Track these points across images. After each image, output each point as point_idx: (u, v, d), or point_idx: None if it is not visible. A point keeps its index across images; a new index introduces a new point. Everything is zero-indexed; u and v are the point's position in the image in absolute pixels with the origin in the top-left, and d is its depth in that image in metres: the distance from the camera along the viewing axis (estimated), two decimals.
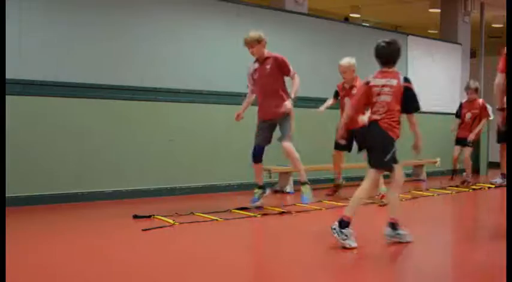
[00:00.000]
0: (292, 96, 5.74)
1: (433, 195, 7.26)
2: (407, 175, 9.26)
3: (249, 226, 5.07)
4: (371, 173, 4.23)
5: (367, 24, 12.54)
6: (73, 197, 6.11)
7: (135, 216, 5.16)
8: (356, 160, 7.96)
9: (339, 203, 6.24)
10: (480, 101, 8.46)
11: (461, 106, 8.64)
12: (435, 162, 9.30)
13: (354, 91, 6.23)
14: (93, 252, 3.92)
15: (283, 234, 4.74)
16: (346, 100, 6.35)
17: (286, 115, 5.71)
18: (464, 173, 8.57)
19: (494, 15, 12.30)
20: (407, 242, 4.14)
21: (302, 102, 8.15)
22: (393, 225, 4.16)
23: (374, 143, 4.24)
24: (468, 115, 8.43)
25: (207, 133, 7.20)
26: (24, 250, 3.90)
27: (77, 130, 6.17)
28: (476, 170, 10.72)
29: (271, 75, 5.68)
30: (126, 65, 6.54)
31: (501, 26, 12.95)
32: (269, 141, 5.88)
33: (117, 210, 5.81)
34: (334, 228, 4.02)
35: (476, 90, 8.39)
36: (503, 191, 7.65)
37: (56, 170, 6.02)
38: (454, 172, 8.92)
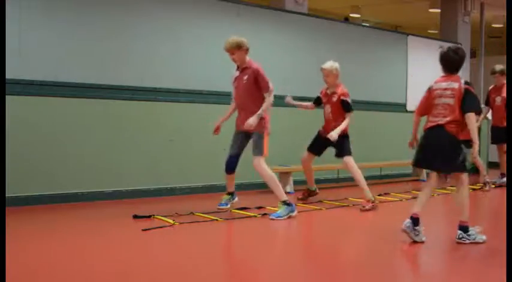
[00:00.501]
0: (259, 112, 5.33)
1: (433, 195, 7.24)
2: (407, 175, 9.28)
3: (249, 226, 5.06)
4: (433, 177, 4.40)
5: (367, 24, 12.55)
6: (73, 197, 6.10)
7: (135, 216, 5.16)
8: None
9: (339, 203, 6.24)
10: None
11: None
12: None
13: (335, 98, 6.15)
14: (93, 252, 3.92)
15: (283, 234, 4.74)
16: (327, 108, 6.27)
17: (259, 131, 5.39)
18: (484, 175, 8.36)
19: (494, 15, 12.31)
20: (481, 242, 4.24)
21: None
22: (465, 228, 4.29)
23: (440, 147, 4.24)
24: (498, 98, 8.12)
25: (207, 133, 7.18)
26: (24, 250, 3.90)
27: (77, 130, 6.16)
28: (476, 170, 10.71)
29: (247, 88, 5.39)
30: (126, 65, 6.54)
31: (501, 26, 12.96)
32: (240, 153, 5.65)
33: (117, 210, 5.81)
34: (408, 226, 4.16)
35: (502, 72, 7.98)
36: (504, 191, 7.65)
37: (56, 170, 6.02)
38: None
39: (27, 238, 4.31)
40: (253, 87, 5.40)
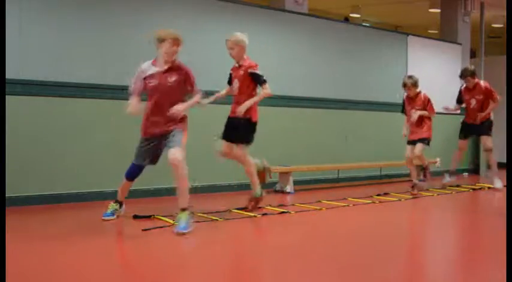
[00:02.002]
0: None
1: (433, 195, 7.26)
2: (407, 175, 9.28)
3: (249, 226, 5.07)
4: None
5: (367, 24, 12.55)
6: (73, 197, 6.10)
7: (135, 216, 5.16)
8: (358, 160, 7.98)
9: (339, 203, 6.24)
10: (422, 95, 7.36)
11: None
12: (435, 162, 9.29)
13: (242, 72, 5.61)
14: (93, 252, 3.92)
15: (283, 234, 4.74)
16: (235, 83, 5.71)
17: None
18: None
19: (494, 15, 12.31)
20: None
21: (302, 102, 8.17)
22: None
23: None
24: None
25: (207, 133, 7.19)
26: (24, 250, 3.90)
27: (77, 130, 6.17)
28: (476, 170, 10.73)
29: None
30: (126, 65, 6.51)
31: (501, 26, 12.96)
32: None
33: None
34: None
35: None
36: (503, 191, 7.65)
37: (56, 170, 6.02)
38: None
39: (27, 238, 4.31)
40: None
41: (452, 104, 8.12)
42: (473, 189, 8.08)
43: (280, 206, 6.01)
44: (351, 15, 12.74)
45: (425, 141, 7.27)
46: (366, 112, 8.84)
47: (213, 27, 7.25)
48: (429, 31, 14.06)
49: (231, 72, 5.83)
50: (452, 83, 10.73)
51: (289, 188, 7.23)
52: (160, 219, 5.06)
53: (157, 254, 3.89)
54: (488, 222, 5.66)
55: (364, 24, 12.44)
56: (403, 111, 7.53)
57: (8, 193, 5.24)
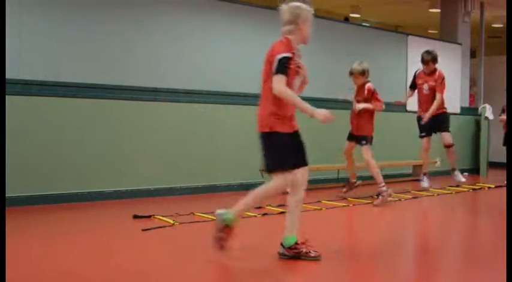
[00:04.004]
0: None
1: (433, 195, 7.26)
2: (407, 175, 9.28)
3: (249, 226, 5.06)
4: None
5: (367, 24, 12.55)
6: (73, 197, 6.10)
7: (135, 216, 5.16)
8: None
9: (339, 203, 6.24)
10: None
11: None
12: (435, 162, 9.29)
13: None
14: (92, 252, 3.92)
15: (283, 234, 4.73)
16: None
17: None
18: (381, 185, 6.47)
19: (494, 15, 12.31)
20: None
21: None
22: None
23: None
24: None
25: (207, 133, 7.20)
26: (24, 250, 3.90)
27: (77, 130, 6.17)
28: (476, 170, 10.73)
29: None
30: (126, 65, 6.54)
31: (501, 26, 12.96)
32: None
33: (117, 210, 5.82)
34: None
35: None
36: (503, 190, 7.65)
37: (56, 170, 6.02)
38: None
39: (27, 238, 4.32)
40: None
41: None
42: (474, 189, 8.08)
43: (280, 206, 6.01)
44: (351, 15, 12.73)
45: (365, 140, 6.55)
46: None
47: (212, 27, 7.25)
48: (429, 31, 14.06)
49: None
50: (452, 83, 10.75)
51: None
52: (160, 219, 5.06)
53: (157, 254, 3.89)
54: (488, 222, 5.66)
55: (364, 24, 12.43)
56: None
57: (8, 193, 5.24)
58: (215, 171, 7.26)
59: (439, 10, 11.18)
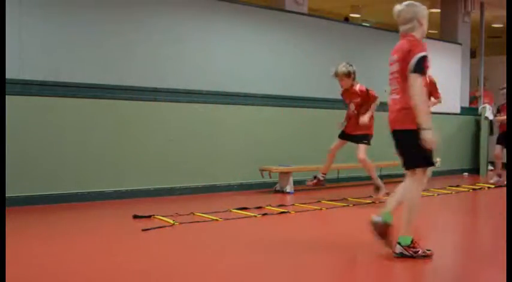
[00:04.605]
0: None
1: (433, 195, 7.26)
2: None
3: (249, 226, 5.07)
4: None
5: (367, 24, 12.55)
6: (73, 197, 6.11)
7: (135, 216, 5.16)
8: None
9: (338, 203, 6.24)
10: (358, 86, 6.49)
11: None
12: (435, 162, 9.29)
13: None
14: (93, 252, 3.92)
15: (283, 234, 4.74)
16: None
17: None
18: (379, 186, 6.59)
19: (494, 15, 12.31)
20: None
21: (303, 102, 8.18)
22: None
23: None
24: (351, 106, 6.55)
25: (207, 133, 7.20)
26: (24, 250, 3.90)
27: (77, 130, 6.17)
28: (476, 170, 10.73)
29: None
30: (126, 65, 6.54)
31: (501, 26, 12.96)
32: None
33: (117, 210, 5.81)
34: None
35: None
36: (503, 190, 7.65)
37: (56, 170, 6.02)
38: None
39: (27, 238, 4.31)
40: None
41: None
42: (474, 189, 8.08)
43: (280, 206, 6.01)
44: (351, 15, 12.74)
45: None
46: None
47: (212, 27, 7.25)
48: (429, 31, 14.04)
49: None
50: (452, 83, 10.76)
51: (289, 188, 7.23)
52: (160, 219, 5.06)
53: (157, 254, 3.89)
54: (488, 222, 5.66)
55: (364, 24, 12.43)
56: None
57: (8, 193, 5.24)
58: (215, 171, 7.26)
59: (439, 10, 11.18)
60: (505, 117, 8.41)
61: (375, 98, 6.48)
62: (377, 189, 6.56)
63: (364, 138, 6.46)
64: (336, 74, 6.37)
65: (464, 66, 10.94)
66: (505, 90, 8.55)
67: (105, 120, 6.37)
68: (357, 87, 6.44)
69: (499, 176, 8.58)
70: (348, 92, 6.50)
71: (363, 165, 6.52)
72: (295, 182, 7.35)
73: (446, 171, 9.78)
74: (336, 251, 4.10)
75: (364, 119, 6.37)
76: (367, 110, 6.46)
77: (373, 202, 6.42)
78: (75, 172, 6.15)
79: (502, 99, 8.86)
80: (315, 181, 6.75)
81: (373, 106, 6.50)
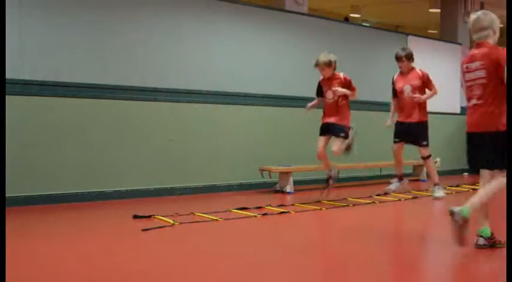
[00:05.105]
0: None
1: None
2: (407, 175, 9.27)
3: (249, 226, 5.07)
4: None
5: (367, 24, 12.56)
6: (73, 197, 6.11)
7: (135, 216, 5.16)
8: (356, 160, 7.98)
9: (338, 203, 6.23)
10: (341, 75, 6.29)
11: None
12: (435, 162, 9.29)
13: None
14: (93, 252, 3.92)
15: (283, 234, 4.74)
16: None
17: None
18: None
19: None
20: None
21: (303, 102, 8.17)
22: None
23: None
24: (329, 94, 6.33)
25: (207, 133, 7.20)
26: (24, 250, 3.90)
27: (77, 130, 6.17)
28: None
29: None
30: (126, 65, 6.55)
31: (501, 26, 12.96)
32: None
33: (117, 210, 5.82)
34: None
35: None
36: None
37: (56, 170, 6.02)
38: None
39: (27, 238, 4.31)
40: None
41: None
42: (473, 189, 8.07)
43: (280, 206, 6.01)
44: (351, 15, 12.75)
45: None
46: (366, 112, 8.83)
47: (212, 27, 7.25)
48: (429, 31, 14.07)
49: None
50: (452, 83, 10.76)
51: (289, 188, 7.23)
52: (160, 219, 5.06)
53: (157, 254, 3.89)
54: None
55: (364, 24, 12.45)
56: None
57: (8, 193, 5.24)
58: (215, 171, 7.26)
59: (439, 10, 11.19)
60: None
61: (355, 90, 6.27)
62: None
63: (341, 130, 6.20)
64: (317, 64, 6.22)
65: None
66: None
67: (105, 120, 6.37)
68: (341, 75, 6.26)
69: None
70: (329, 80, 6.27)
71: (324, 161, 6.42)
72: (295, 182, 7.35)
73: (446, 171, 9.78)
74: (336, 251, 4.10)
75: (339, 89, 6.16)
76: (345, 99, 6.28)
77: (373, 202, 6.42)
78: (75, 172, 6.15)
79: None
80: (330, 182, 6.49)
81: (351, 94, 6.27)
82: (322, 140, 6.32)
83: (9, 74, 5.41)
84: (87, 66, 6.24)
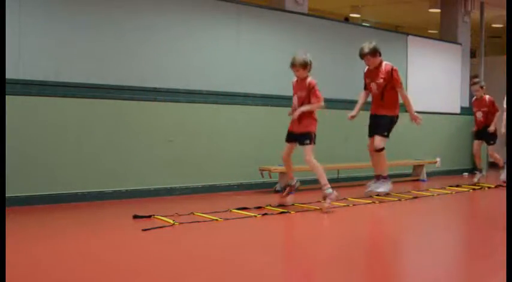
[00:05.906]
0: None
1: (432, 195, 7.26)
2: (407, 175, 9.28)
3: (249, 226, 5.07)
4: None
5: (367, 24, 12.55)
6: (73, 197, 6.11)
7: (135, 216, 5.16)
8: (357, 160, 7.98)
9: (338, 203, 6.23)
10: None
11: None
12: (435, 162, 9.30)
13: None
14: (93, 252, 3.92)
15: (283, 234, 4.74)
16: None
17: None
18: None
19: (494, 15, 12.32)
20: None
21: None
22: None
23: None
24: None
25: (207, 133, 7.20)
26: (24, 250, 3.90)
27: (77, 130, 6.17)
28: (475, 169, 10.71)
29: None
30: (126, 65, 6.54)
31: (501, 26, 12.97)
32: None
33: (117, 210, 5.82)
34: None
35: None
36: (504, 190, 7.65)
37: (56, 170, 6.02)
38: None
39: (27, 238, 4.32)
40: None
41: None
42: (473, 189, 8.08)
43: (280, 206, 6.01)
44: (351, 15, 12.74)
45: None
46: (366, 112, 8.83)
47: (212, 27, 7.25)
48: (429, 31, 14.06)
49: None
50: (452, 83, 10.76)
51: None
52: (160, 219, 5.06)
53: (157, 254, 3.89)
54: (488, 222, 5.65)
55: (364, 24, 12.44)
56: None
57: (8, 193, 5.24)
58: (215, 171, 7.26)
59: (439, 10, 11.18)
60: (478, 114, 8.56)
61: (316, 98, 5.85)
62: (324, 197, 5.87)
63: (305, 137, 5.86)
64: (293, 64, 5.77)
65: (464, 66, 10.94)
66: (477, 86, 8.50)
67: (105, 120, 6.37)
68: (308, 80, 5.85)
69: (480, 171, 8.74)
70: (299, 84, 5.90)
71: (310, 167, 5.94)
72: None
73: (446, 171, 9.79)
74: (336, 251, 4.10)
75: (301, 109, 5.80)
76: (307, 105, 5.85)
77: (373, 202, 6.42)
78: (75, 172, 6.15)
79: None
80: (287, 190, 6.16)
81: (316, 106, 5.88)
82: (287, 146, 6.06)
83: (9, 74, 5.41)
84: (87, 66, 6.24)
